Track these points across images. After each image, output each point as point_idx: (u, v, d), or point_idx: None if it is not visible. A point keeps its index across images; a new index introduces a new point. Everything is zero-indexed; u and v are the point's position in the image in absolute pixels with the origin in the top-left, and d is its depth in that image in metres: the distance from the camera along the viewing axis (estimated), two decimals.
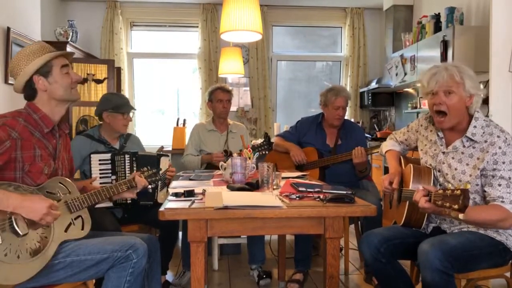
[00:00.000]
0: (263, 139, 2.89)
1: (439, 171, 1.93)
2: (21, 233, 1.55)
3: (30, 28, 3.63)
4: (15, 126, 1.65)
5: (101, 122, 2.69)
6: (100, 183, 2.33)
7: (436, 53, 4.05)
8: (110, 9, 5.70)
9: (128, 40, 5.95)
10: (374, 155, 4.86)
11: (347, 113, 3.15)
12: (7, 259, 1.53)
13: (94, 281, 2.04)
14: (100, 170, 2.45)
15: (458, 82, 1.79)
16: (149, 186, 1.98)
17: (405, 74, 4.87)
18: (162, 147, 3.94)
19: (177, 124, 4.18)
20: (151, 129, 6.02)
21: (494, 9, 2.95)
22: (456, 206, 1.47)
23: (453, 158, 1.87)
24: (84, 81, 4.86)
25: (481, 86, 1.89)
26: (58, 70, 1.75)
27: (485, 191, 1.76)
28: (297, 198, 1.85)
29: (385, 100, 5.78)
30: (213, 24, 5.84)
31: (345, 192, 1.90)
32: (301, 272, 2.83)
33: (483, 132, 1.81)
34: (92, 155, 2.46)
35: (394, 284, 1.90)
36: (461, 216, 1.46)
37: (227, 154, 3.19)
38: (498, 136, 1.77)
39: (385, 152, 2.27)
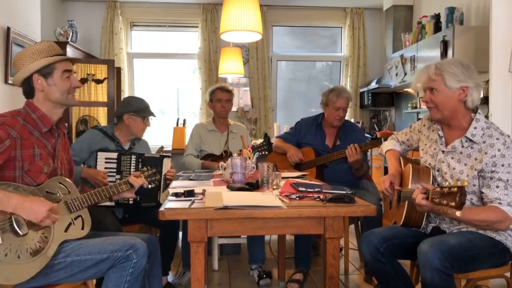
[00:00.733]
0: (263, 140, 2.89)
1: (438, 170, 1.94)
2: (21, 233, 1.55)
3: (30, 28, 3.63)
4: (14, 125, 1.66)
5: (115, 123, 2.73)
6: None
7: (436, 53, 4.06)
8: (110, 9, 5.71)
9: (128, 40, 5.95)
10: (374, 155, 4.87)
11: (347, 113, 3.15)
12: (7, 259, 1.53)
13: (94, 281, 2.04)
14: (105, 168, 2.46)
15: (434, 80, 1.85)
16: (149, 186, 1.98)
17: (405, 74, 4.87)
18: (162, 147, 3.94)
19: (177, 124, 4.18)
20: (151, 129, 6.00)
21: (494, 9, 2.95)
22: (453, 203, 1.47)
23: (452, 157, 1.89)
24: (84, 81, 4.86)
25: (478, 75, 1.89)
26: (59, 74, 1.75)
27: (482, 193, 1.77)
28: (297, 198, 1.85)
29: (385, 100, 5.78)
30: (213, 24, 5.84)
31: (345, 192, 1.90)
32: (301, 272, 2.83)
33: (483, 134, 1.81)
34: (99, 153, 2.48)
35: (393, 284, 1.90)
36: (458, 213, 1.46)
37: (228, 154, 3.19)
38: (498, 139, 1.78)
39: (386, 152, 2.28)
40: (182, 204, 1.74)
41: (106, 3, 5.71)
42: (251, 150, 2.61)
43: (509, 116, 2.95)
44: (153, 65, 6.15)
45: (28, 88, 1.74)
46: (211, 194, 1.90)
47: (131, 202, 2.44)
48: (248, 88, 6.07)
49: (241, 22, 2.53)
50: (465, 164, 1.83)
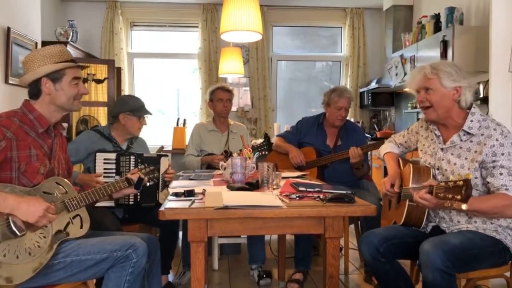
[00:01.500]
0: (263, 140, 2.90)
1: (438, 168, 1.95)
2: (19, 234, 1.55)
3: (30, 28, 3.63)
4: (9, 126, 1.66)
5: (111, 122, 2.72)
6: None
7: (436, 53, 4.06)
8: (110, 9, 5.71)
9: (128, 40, 5.95)
10: (374, 155, 4.87)
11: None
12: (6, 259, 1.53)
13: (94, 281, 2.04)
14: (104, 169, 2.46)
15: (430, 79, 1.87)
16: (148, 183, 1.99)
17: (405, 74, 4.87)
18: (162, 147, 3.95)
19: (177, 124, 4.19)
20: (151, 129, 6.02)
21: (494, 9, 2.95)
22: (458, 197, 1.47)
23: (452, 154, 1.90)
24: (84, 81, 4.86)
25: (471, 77, 1.92)
26: (68, 80, 1.76)
27: (488, 183, 1.78)
28: (297, 198, 1.85)
29: (385, 100, 5.78)
30: (213, 24, 5.84)
31: (345, 192, 1.90)
32: (301, 272, 2.83)
33: (480, 126, 1.84)
34: (97, 154, 2.48)
35: (393, 284, 1.90)
36: (464, 206, 1.46)
37: (227, 154, 3.20)
38: (495, 129, 1.81)
39: (384, 155, 2.29)
40: (182, 204, 1.74)
41: (106, 3, 5.71)
42: (251, 150, 2.62)
43: (509, 116, 2.95)
44: (153, 65, 6.15)
45: (35, 90, 1.75)
46: (211, 194, 1.90)
47: (131, 202, 2.44)
48: (248, 88, 6.07)
49: (241, 22, 2.54)
50: (465, 158, 1.85)
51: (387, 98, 5.76)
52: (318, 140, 3.13)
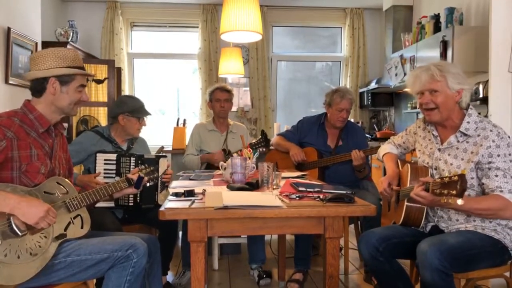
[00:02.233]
0: (260, 136, 2.90)
1: (435, 168, 1.96)
2: (20, 234, 1.55)
3: (30, 28, 3.64)
4: (10, 126, 1.66)
5: (110, 123, 2.72)
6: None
7: (436, 53, 4.06)
8: (110, 9, 5.71)
9: (128, 40, 5.95)
10: (374, 155, 4.86)
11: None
12: (7, 259, 1.53)
13: (94, 281, 2.04)
14: (104, 169, 2.46)
15: (439, 81, 1.85)
16: (147, 183, 1.99)
17: (405, 74, 4.87)
18: (162, 147, 3.95)
19: (177, 124, 4.19)
20: (151, 129, 6.01)
21: (494, 9, 2.95)
22: (454, 192, 1.48)
23: (449, 154, 1.91)
24: None
25: (470, 79, 1.93)
26: (75, 85, 1.78)
27: (483, 184, 1.79)
28: (297, 198, 1.85)
29: (384, 100, 5.78)
30: (213, 24, 5.84)
31: (344, 192, 1.91)
32: (301, 272, 2.83)
33: (476, 127, 1.86)
34: (98, 154, 2.48)
35: (393, 284, 1.90)
36: (459, 201, 1.47)
37: (227, 152, 3.20)
38: (491, 130, 1.82)
39: (383, 156, 2.29)
40: (182, 204, 1.75)
41: (106, 3, 5.71)
42: (251, 150, 2.62)
43: (509, 116, 2.95)
44: (153, 65, 6.15)
45: (39, 87, 1.75)
46: (211, 194, 1.90)
47: (131, 203, 2.44)
48: (248, 88, 6.07)
49: (241, 22, 2.54)
50: (462, 159, 1.86)
51: (387, 98, 5.76)
52: (319, 140, 3.13)
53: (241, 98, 6.09)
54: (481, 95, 3.61)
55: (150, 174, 2.00)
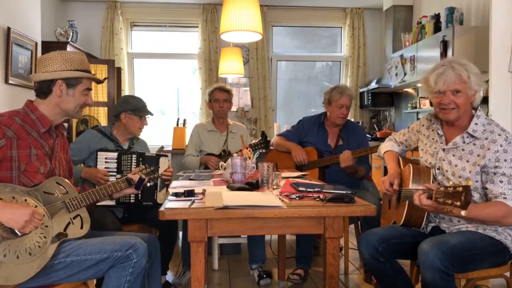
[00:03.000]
0: (260, 137, 2.90)
1: (438, 168, 1.94)
2: (19, 234, 1.55)
3: (30, 28, 3.64)
4: (10, 125, 1.66)
5: (112, 122, 2.74)
6: None
7: (436, 53, 4.06)
8: (110, 9, 5.71)
9: (128, 40, 5.95)
10: (374, 155, 4.86)
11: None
12: (6, 259, 1.53)
13: (94, 281, 2.04)
14: (105, 168, 2.47)
15: (466, 81, 1.80)
16: (148, 184, 1.99)
17: (405, 74, 4.87)
18: (162, 147, 3.94)
19: (177, 124, 4.18)
20: (151, 129, 6.02)
21: (494, 9, 2.95)
22: (458, 203, 1.45)
23: (453, 155, 1.89)
24: None
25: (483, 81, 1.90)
26: (82, 89, 1.80)
27: (486, 188, 1.77)
28: (297, 198, 1.85)
29: (385, 100, 5.78)
30: (213, 24, 5.84)
31: (345, 192, 1.90)
32: (302, 269, 2.85)
33: (484, 130, 1.83)
34: (99, 153, 2.49)
35: (393, 284, 1.90)
36: (463, 213, 1.45)
37: (226, 154, 3.20)
38: (499, 134, 1.79)
39: (384, 153, 2.27)
40: (182, 204, 1.74)
41: (106, 3, 5.71)
42: (251, 150, 2.62)
43: (509, 116, 2.95)
44: (153, 65, 6.15)
45: (46, 88, 1.75)
46: (211, 194, 1.90)
47: (132, 200, 2.45)
48: (248, 88, 6.07)
49: (241, 22, 2.54)
50: (467, 161, 1.84)
51: (387, 98, 5.76)
52: (319, 139, 3.12)
53: (241, 98, 6.09)
54: (481, 95, 3.61)
55: (150, 174, 2.00)
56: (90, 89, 1.85)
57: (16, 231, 1.54)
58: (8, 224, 1.52)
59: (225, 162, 2.44)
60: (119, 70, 5.57)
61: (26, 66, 3.54)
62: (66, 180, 1.75)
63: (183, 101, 6.26)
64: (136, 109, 2.63)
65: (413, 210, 1.89)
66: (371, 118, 6.23)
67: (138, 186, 1.93)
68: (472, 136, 1.84)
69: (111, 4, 5.70)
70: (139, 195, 2.44)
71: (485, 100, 3.21)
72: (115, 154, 2.50)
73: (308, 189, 1.97)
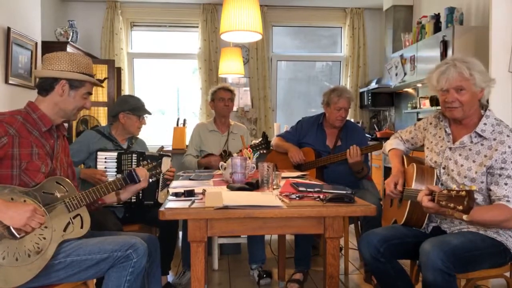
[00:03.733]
0: (261, 138, 2.90)
1: (444, 167, 1.92)
2: (18, 236, 1.55)
3: (30, 28, 3.63)
4: (12, 123, 1.66)
5: (111, 122, 2.75)
6: None
7: (436, 53, 4.06)
8: (110, 9, 5.71)
9: (128, 40, 5.95)
10: (374, 154, 4.87)
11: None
12: (5, 262, 1.52)
13: (94, 281, 2.04)
14: (105, 168, 2.47)
15: (468, 79, 1.79)
16: (150, 180, 2.00)
17: (405, 74, 4.87)
18: (162, 147, 3.94)
19: (177, 124, 4.19)
20: (151, 129, 6.02)
21: (494, 9, 2.95)
22: (460, 207, 1.44)
23: (460, 154, 1.87)
24: None
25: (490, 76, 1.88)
26: (83, 92, 1.81)
27: (490, 190, 1.76)
28: (297, 198, 1.85)
29: (385, 100, 5.78)
30: (213, 24, 5.84)
31: (345, 192, 1.90)
32: (301, 272, 2.83)
33: (493, 130, 1.81)
34: (98, 152, 2.49)
35: (393, 284, 1.90)
36: (465, 217, 1.44)
37: (226, 154, 3.20)
38: (508, 136, 1.77)
39: (388, 151, 2.26)
40: (182, 204, 1.74)
41: (106, 3, 5.71)
42: (251, 150, 2.62)
43: (509, 116, 2.95)
44: (153, 65, 6.15)
45: (48, 86, 1.76)
46: (211, 194, 1.90)
47: (133, 200, 2.45)
48: (248, 88, 6.07)
49: (241, 22, 2.54)
50: (474, 161, 1.82)
51: (387, 98, 5.76)
52: (318, 140, 3.12)
53: (241, 98, 6.09)
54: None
55: (153, 169, 2.00)
56: (91, 94, 1.87)
57: (15, 233, 1.54)
58: (11, 222, 1.52)
59: (225, 162, 2.44)
60: (119, 70, 5.57)
61: (26, 66, 3.54)
62: (66, 179, 1.75)
63: (183, 101, 6.26)
64: (134, 108, 2.63)
65: (414, 209, 1.88)
66: (371, 118, 6.23)
67: (144, 192, 1.95)
68: (480, 136, 1.82)
69: (111, 4, 5.70)
70: (140, 195, 2.44)
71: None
72: (114, 154, 2.50)
73: (308, 189, 1.97)
